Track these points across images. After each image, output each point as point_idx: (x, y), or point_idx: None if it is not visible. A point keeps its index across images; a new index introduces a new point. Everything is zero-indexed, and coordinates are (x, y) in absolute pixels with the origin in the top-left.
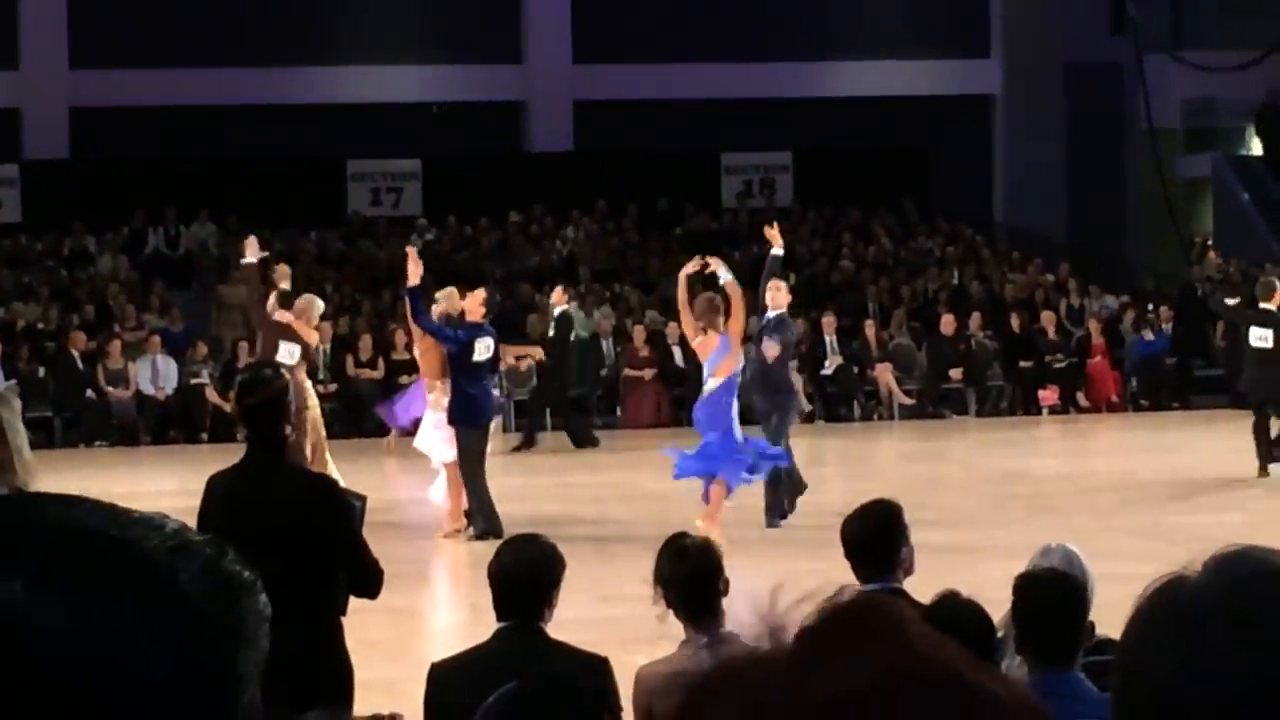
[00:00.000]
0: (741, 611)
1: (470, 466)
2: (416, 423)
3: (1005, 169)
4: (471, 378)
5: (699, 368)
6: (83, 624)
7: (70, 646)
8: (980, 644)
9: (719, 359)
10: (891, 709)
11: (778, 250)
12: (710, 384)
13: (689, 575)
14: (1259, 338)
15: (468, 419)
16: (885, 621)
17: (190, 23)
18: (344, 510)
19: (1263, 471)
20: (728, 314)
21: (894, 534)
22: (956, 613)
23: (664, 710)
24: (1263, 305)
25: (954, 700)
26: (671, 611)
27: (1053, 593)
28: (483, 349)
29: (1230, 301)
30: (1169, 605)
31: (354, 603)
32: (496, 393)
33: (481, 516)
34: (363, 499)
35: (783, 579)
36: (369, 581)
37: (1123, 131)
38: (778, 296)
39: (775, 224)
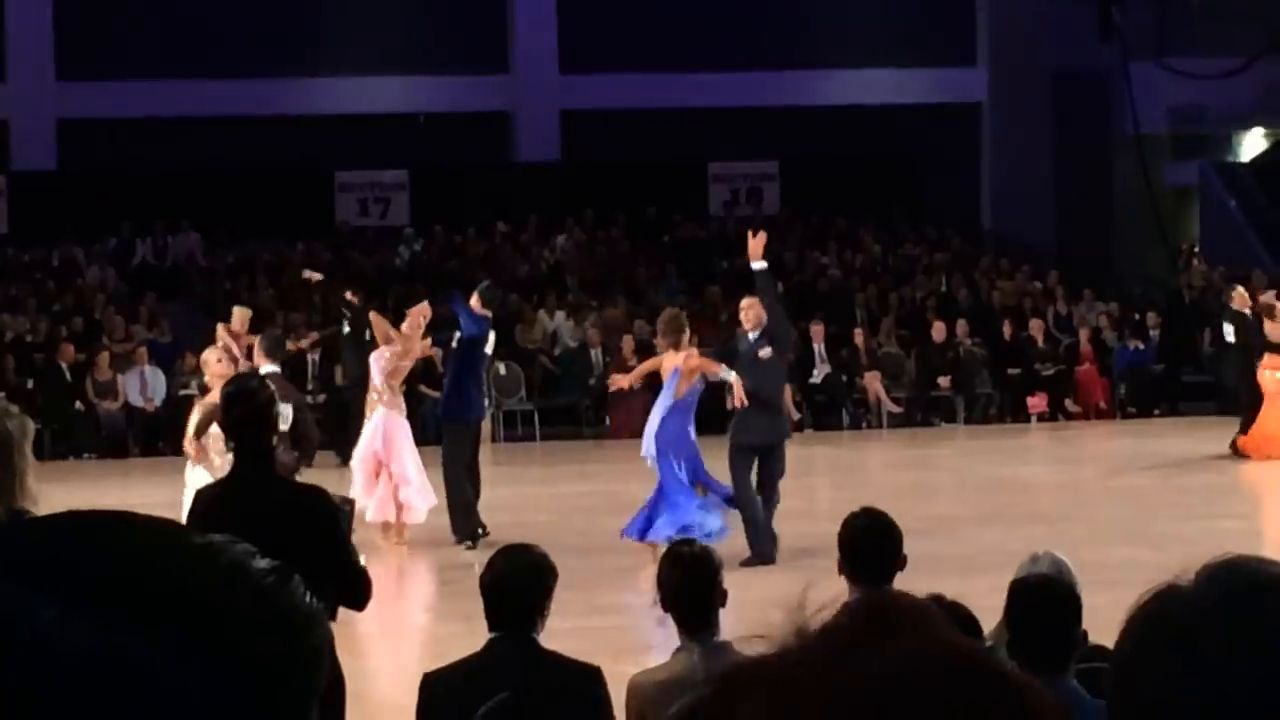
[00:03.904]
0: (772, 611)
1: (453, 467)
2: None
3: (993, 176)
4: (475, 372)
5: None
6: (114, 654)
7: (101, 675)
8: None
9: (674, 382)
10: (921, 694)
11: (756, 265)
12: (665, 403)
13: (685, 582)
14: (1228, 333)
15: (463, 414)
16: (910, 615)
17: (178, 34)
18: (333, 521)
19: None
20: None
21: (894, 543)
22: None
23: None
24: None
25: (983, 686)
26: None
27: (1047, 599)
28: (490, 342)
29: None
30: (1162, 615)
31: (345, 613)
32: (486, 402)
33: (461, 517)
34: (350, 503)
35: (772, 588)
36: (356, 593)
37: (1110, 139)
38: (749, 314)
39: (758, 233)
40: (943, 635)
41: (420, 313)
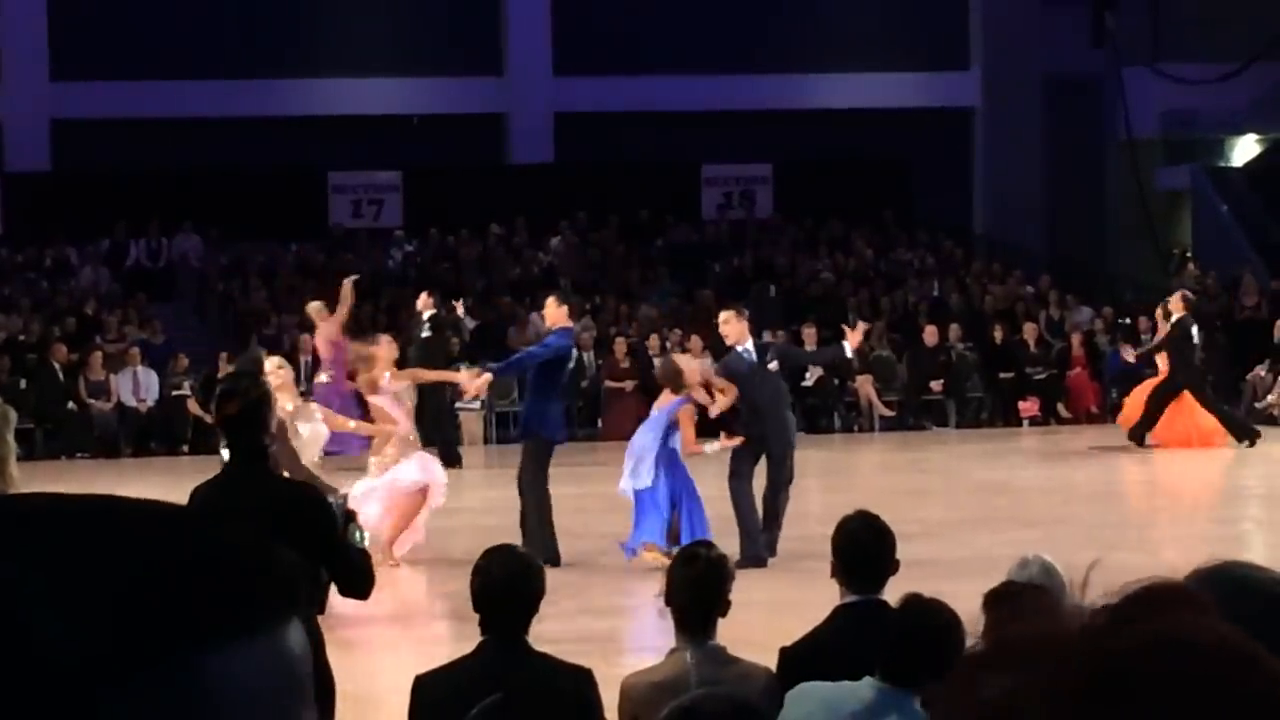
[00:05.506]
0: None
1: (539, 485)
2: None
3: (985, 181)
4: (559, 387)
5: None
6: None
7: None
8: (949, 641)
9: (664, 417)
10: (1168, 670)
11: (849, 346)
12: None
13: (691, 584)
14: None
15: (553, 431)
16: (1174, 599)
17: (171, 35)
18: (325, 514)
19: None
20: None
21: (887, 546)
22: (923, 611)
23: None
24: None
25: (1235, 668)
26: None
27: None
28: (572, 358)
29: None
30: None
31: (340, 614)
32: (478, 404)
33: (542, 544)
34: (344, 497)
35: (765, 592)
36: (357, 582)
37: (1102, 143)
38: (729, 329)
39: (858, 328)
40: (1198, 620)
41: (386, 353)
